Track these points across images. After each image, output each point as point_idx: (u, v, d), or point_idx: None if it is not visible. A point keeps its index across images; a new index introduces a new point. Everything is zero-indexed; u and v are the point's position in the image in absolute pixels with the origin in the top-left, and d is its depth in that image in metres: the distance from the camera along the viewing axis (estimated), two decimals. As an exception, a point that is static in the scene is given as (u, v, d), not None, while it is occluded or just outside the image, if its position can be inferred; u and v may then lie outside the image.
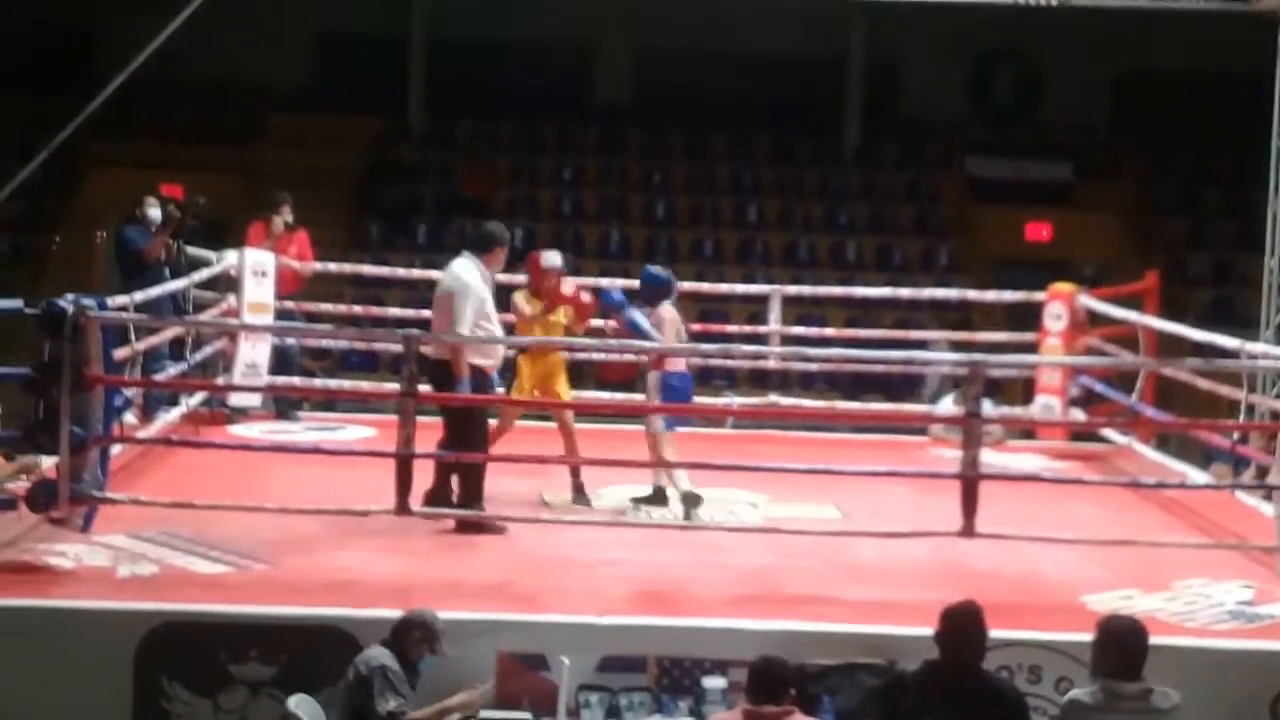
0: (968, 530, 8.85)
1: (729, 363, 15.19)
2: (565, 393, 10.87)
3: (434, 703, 7.48)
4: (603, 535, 9.51)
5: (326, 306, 14.13)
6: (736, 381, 17.28)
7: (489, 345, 10.02)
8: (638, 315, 10.56)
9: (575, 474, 10.62)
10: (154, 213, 12.81)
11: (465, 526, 9.65)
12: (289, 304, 13.32)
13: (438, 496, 9.85)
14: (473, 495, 9.78)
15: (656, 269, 11.13)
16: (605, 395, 12.77)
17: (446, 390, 9.68)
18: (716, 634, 7.92)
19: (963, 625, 6.82)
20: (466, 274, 9.98)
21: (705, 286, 16.17)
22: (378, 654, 7.42)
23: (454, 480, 9.87)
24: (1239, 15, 15.52)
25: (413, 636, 7.49)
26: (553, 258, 10.94)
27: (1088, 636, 6.92)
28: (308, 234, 13.77)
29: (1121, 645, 6.72)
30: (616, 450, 10.53)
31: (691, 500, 10.17)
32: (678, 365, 10.55)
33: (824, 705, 7.61)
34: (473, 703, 7.54)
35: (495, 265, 10.19)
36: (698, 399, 11.58)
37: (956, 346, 13.48)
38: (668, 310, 10.73)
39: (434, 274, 16.07)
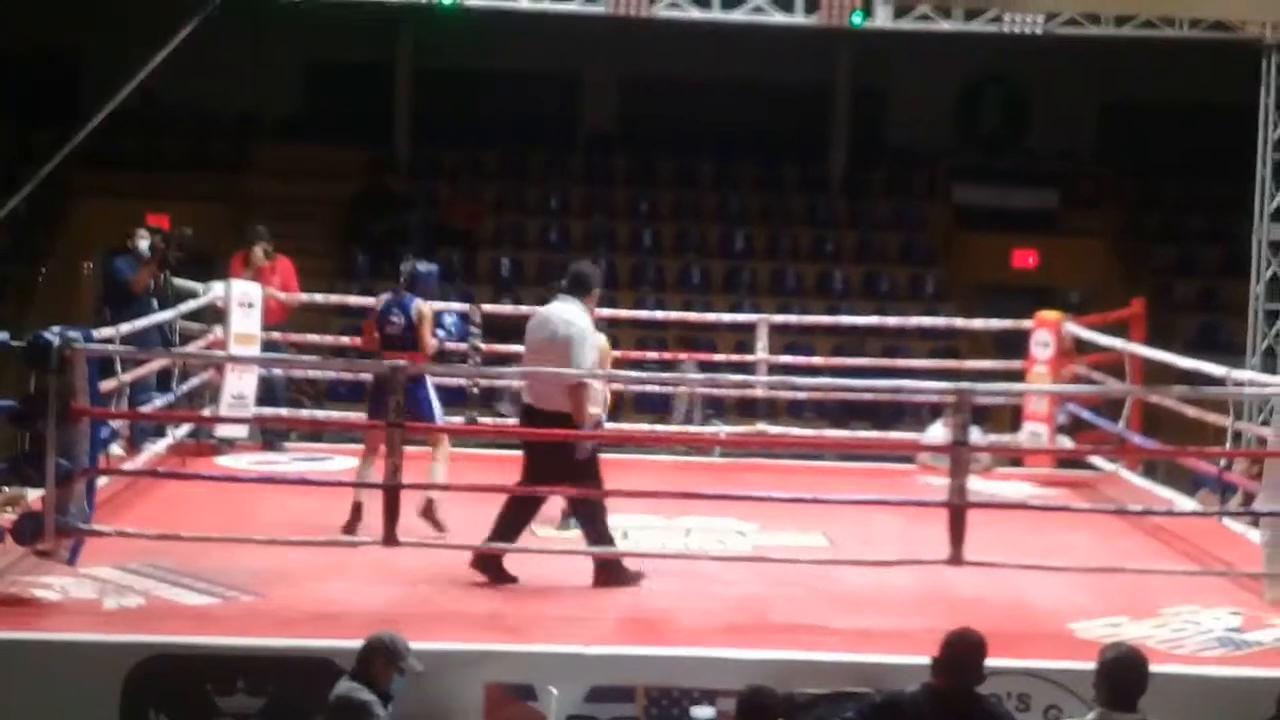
0: (955, 558, 8.86)
1: (716, 391, 15.19)
2: None
3: None
4: (591, 564, 9.48)
5: (313, 337, 14.11)
6: (724, 410, 17.28)
7: (598, 393, 9.58)
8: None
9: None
10: (143, 244, 12.79)
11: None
12: (275, 334, 13.31)
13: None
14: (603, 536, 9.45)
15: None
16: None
17: (560, 440, 9.25)
18: (705, 663, 7.91)
19: (964, 653, 6.83)
20: (579, 319, 9.46)
21: (692, 315, 16.20)
22: (352, 688, 7.32)
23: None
24: (1224, 44, 15.59)
25: (378, 663, 7.39)
26: None
27: (1076, 664, 6.93)
28: (292, 263, 13.75)
29: (1115, 676, 6.71)
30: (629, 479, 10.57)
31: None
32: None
33: (812, 734, 7.61)
34: None
35: (593, 307, 9.70)
36: (687, 428, 11.64)
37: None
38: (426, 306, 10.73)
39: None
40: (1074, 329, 13.58)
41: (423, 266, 11.03)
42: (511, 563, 9.38)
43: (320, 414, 14.08)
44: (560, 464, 9.25)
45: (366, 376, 12.85)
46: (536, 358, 9.56)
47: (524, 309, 15.87)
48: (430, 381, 10.61)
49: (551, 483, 9.33)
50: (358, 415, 14.12)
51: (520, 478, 9.50)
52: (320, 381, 17.01)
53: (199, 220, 15.39)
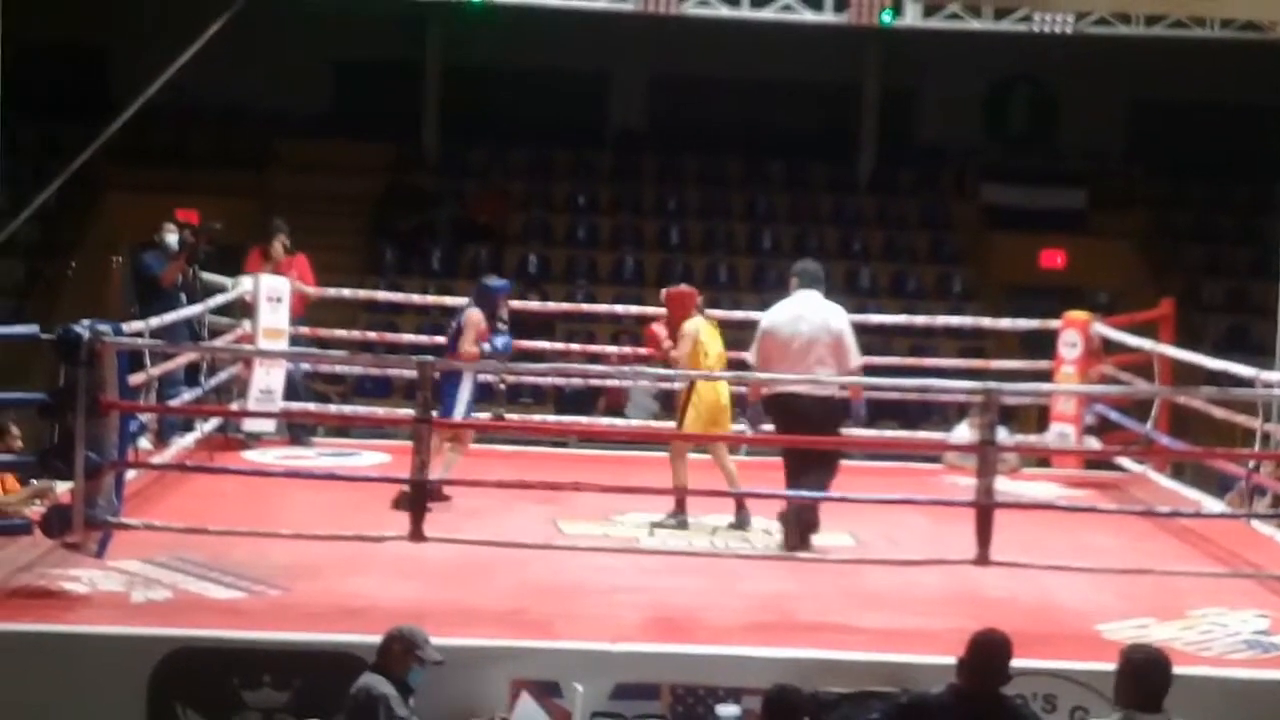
0: (982, 558, 8.83)
1: (741, 389, 15.13)
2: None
3: None
4: (617, 562, 9.50)
5: (340, 332, 14.14)
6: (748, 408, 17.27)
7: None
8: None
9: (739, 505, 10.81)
10: (172, 239, 12.83)
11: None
12: (303, 329, 13.33)
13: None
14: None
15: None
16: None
17: (834, 425, 10.07)
18: (731, 661, 7.90)
19: (989, 653, 6.80)
20: (841, 311, 10.36)
21: (719, 313, 16.14)
22: (373, 681, 7.34)
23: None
24: (1255, 45, 15.53)
25: (394, 651, 7.41)
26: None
27: (1103, 666, 6.91)
28: (308, 259, 13.77)
29: (1140, 676, 6.68)
30: (639, 476, 10.59)
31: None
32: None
33: (837, 733, 7.60)
34: None
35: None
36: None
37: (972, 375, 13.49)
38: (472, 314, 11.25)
39: (450, 300, 16.18)
40: (1102, 329, 13.54)
41: (488, 281, 11.67)
42: (537, 560, 9.38)
43: (348, 409, 14.07)
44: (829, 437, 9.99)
45: (396, 372, 13.04)
46: (803, 350, 10.10)
47: (551, 305, 16.01)
48: (466, 383, 11.03)
49: (813, 458, 9.96)
50: (384, 410, 14.19)
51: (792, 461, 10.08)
52: (348, 378, 17.04)
53: (227, 215, 15.39)
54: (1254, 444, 11.82)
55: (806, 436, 9.90)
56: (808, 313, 10.24)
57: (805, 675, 7.53)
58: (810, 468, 9.97)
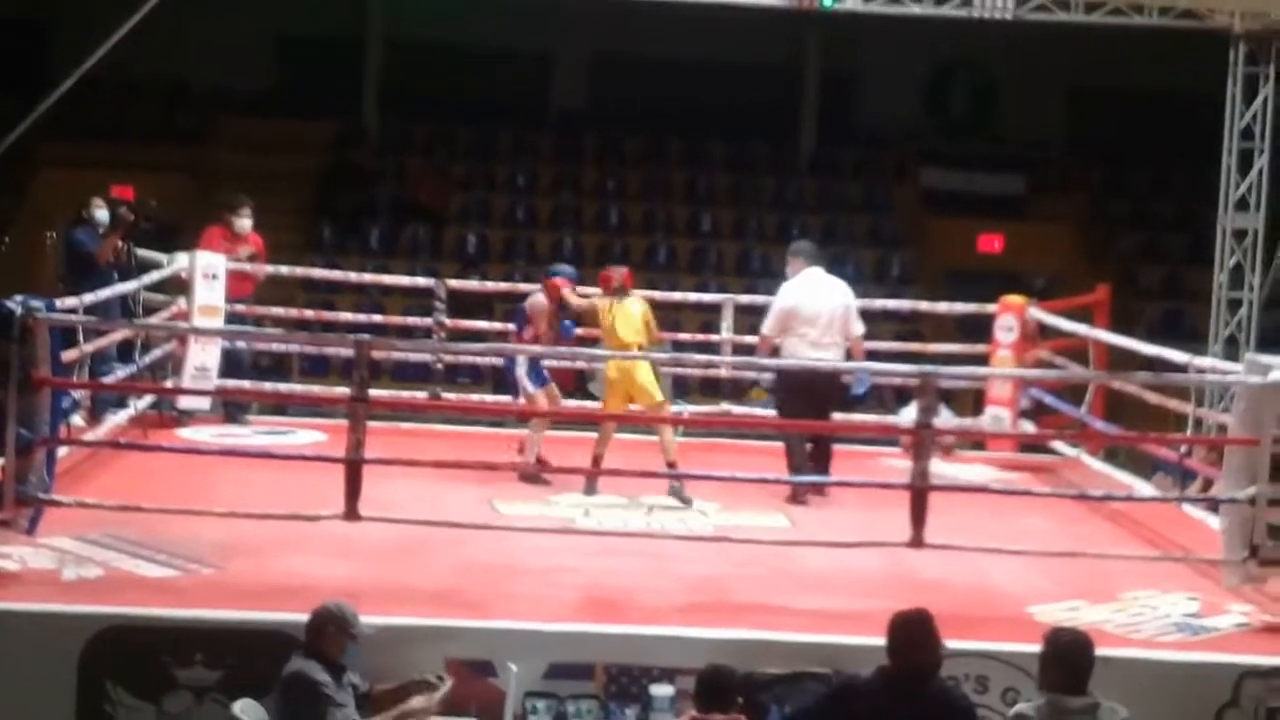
0: (916, 541, 8.87)
1: (680, 370, 15.17)
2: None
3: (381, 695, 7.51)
4: (554, 542, 9.50)
5: (278, 310, 14.06)
6: (688, 390, 17.28)
7: None
8: None
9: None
10: (101, 214, 12.71)
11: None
12: (240, 307, 13.25)
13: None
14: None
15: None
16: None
17: (841, 392, 11.41)
18: (665, 642, 7.92)
19: (912, 633, 6.82)
20: (846, 285, 11.41)
21: (658, 294, 16.15)
22: (305, 667, 7.31)
23: None
24: (1193, 33, 15.62)
25: (327, 633, 7.40)
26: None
27: (1034, 647, 6.94)
28: (261, 237, 13.70)
29: (1066, 659, 6.72)
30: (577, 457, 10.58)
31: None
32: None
33: (771, 714, 7.62)
34: (428, 708, 7.52)
35: None
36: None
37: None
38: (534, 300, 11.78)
39: (388, 278, 16.12)
40: (1038, 314, 13.61)
41: (554, 269, 12.20)
42: (473, 540, 9.37)
43: (283, 387, 14.01)
44: (833, 403, 11.29)
45: (333, 350, 13.08)
46: (828, 323, 11.23)
47: (489, 285, 15.96)
48: (522, 362, 11.55)
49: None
50: (321, 389, 14.11)
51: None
52: (285, 356, 16.95)
53: (165, 192, 15.33)
54: (1186, 429, 11.92)
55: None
56: (824, 289, 11.27)
57: (739, 656, 7.55)
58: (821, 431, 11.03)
